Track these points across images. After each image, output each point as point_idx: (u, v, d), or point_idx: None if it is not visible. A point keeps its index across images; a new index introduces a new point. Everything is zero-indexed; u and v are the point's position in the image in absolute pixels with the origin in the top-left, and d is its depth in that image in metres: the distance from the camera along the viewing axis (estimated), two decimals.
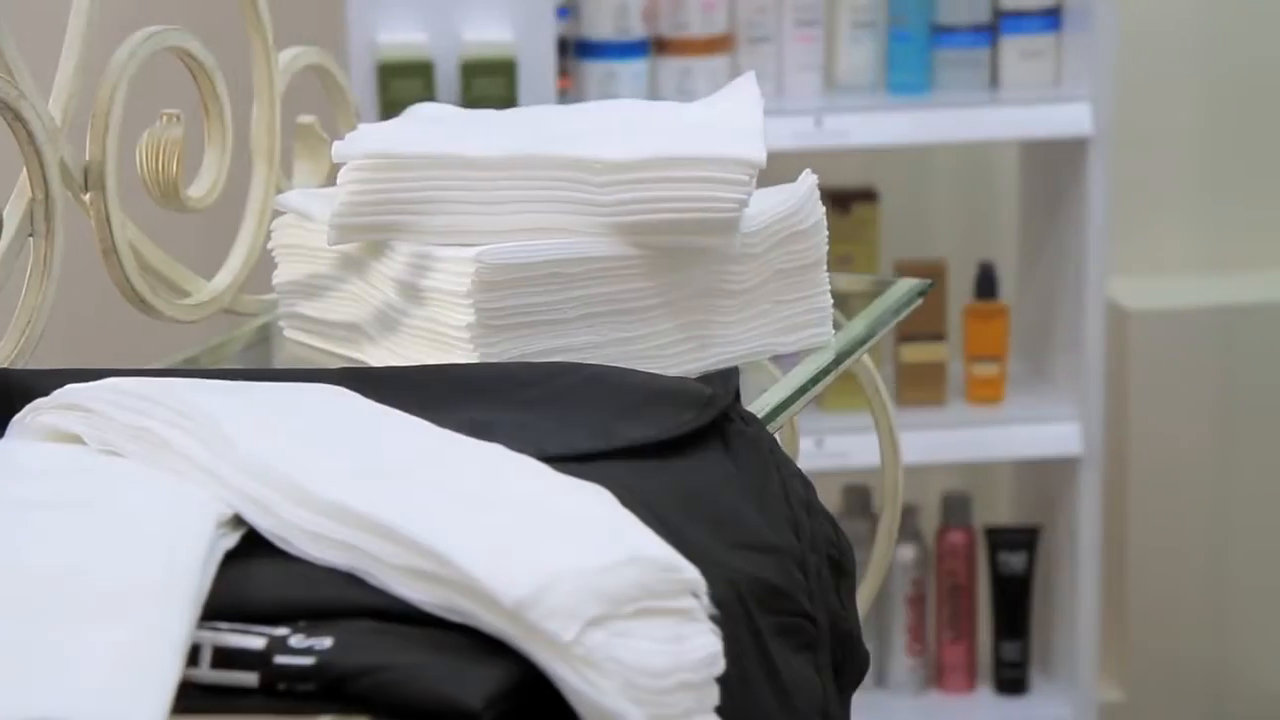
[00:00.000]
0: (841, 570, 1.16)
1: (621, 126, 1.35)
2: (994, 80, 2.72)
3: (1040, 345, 2.79)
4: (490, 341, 1.25)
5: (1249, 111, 2.99)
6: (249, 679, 0.90)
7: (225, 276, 1.41)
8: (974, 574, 2.81)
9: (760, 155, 1.27)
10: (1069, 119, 2.64)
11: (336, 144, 1.30)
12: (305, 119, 1.52)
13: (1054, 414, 2.70)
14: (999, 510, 2.93)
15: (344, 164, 1.30)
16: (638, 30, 2.66)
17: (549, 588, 0.91)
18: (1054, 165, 2.73)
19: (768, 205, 1.33)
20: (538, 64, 2.48)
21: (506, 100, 2.41)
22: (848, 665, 1.14)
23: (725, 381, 1.20)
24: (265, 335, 1.46)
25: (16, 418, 1.08)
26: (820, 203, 1.36)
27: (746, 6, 2.68)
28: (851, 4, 2.71)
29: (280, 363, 1.40)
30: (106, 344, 2.01)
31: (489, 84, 2.42)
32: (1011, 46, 2.70)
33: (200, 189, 1.37)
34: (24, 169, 1.25)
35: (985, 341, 2.72)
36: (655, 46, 2.68)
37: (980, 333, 2.72)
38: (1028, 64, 2.70)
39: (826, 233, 1.36)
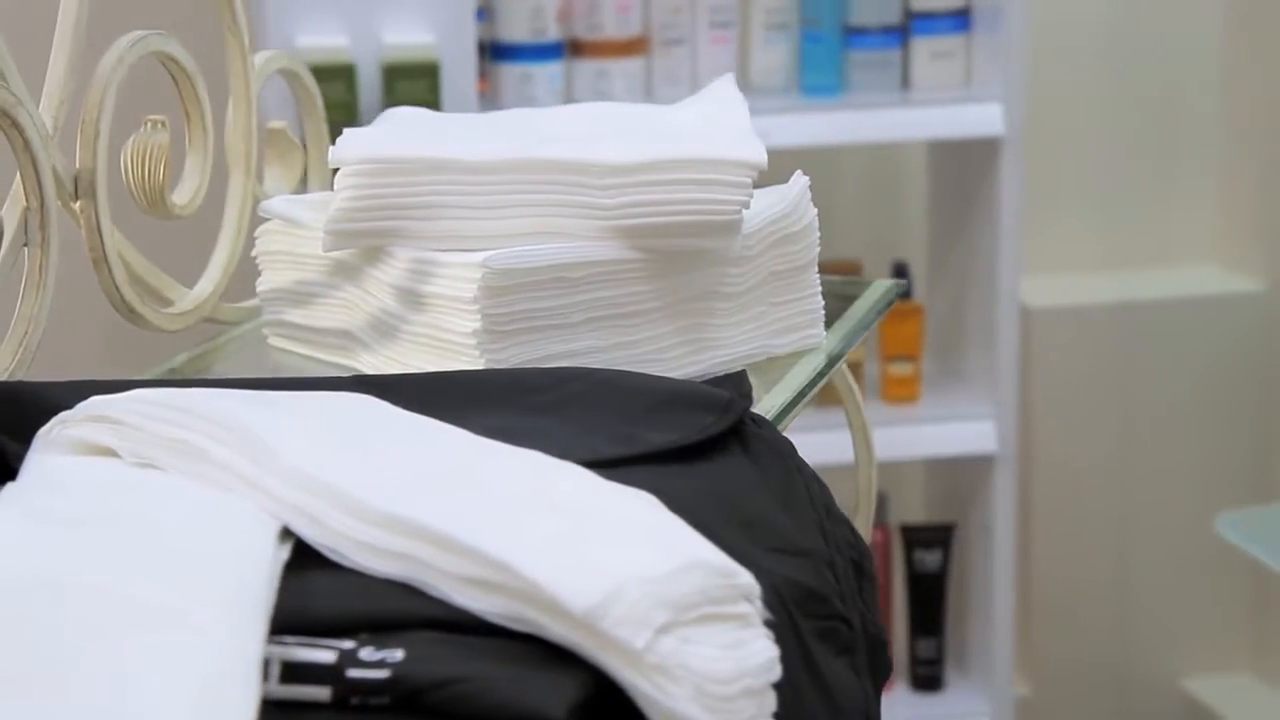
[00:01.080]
0: (863, 573, 1.16)
1: (614, 130, 1.35)
2: (905, 81, 2.74)
3: (952, 344, 2.82)
4: (496, 348, 1.24)
5: (1146, 112, 3.04)
6: (321, 694, 0.89)
7: (206, 284, 1.39)
8: (889, 572, 2.83)
9: (761, 157, 1.27)
10: (980, 119, 2.66)
11: (332, 149, 1.29)
12: (276, 124, 1.50)
13: (969, 413, 2.72)
14: (914, 509, 2.95)
15: (340, 169, 1.28)
16: (553, 33, 2.65)
17: (617, 595, 0.91)
18: (964, 165, 2.75)
19: (761, 207, 1.33)
20: (459, 67, 2.47)
21: (430, 104, 2.39)
22: (877, 668, 1.14)
23: (738, 385, 1.21)
24: (245, 344, 1.44)
25: (42, 431, 1.06)
26: (811, 204, 1.36)
27: (661, 8, 2.69)
28: (765, 6, 2.72)
29: (266, 371, 1.38)
30: (77, 354, 1.96)
31: (411, 87, 2.40)
32: (922, 47, 2.73)
33: (184, 195, 1.35)
34: (15, 177, 1.22)
35: (900, 341, 2.74)
36: (570, 49, 2.68)
37: (895, 333, 2.74)
38: (938, 65, 2.73)
39: (818, 234, 1.36)
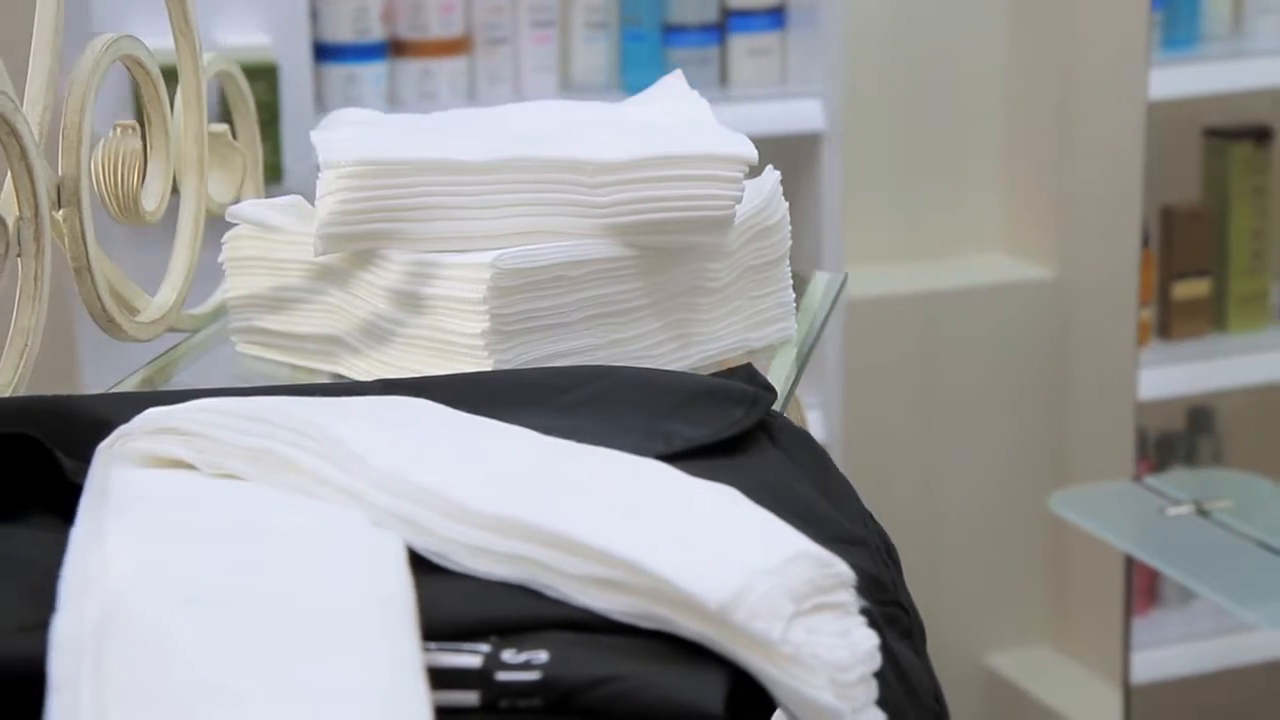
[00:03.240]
0: (893, 558, 1.19)
1: (591, 127, 1.35)
2: (723, 78, 2.78)
3: None
4: (502, 348, 1.24)
5: (946, 106, 3.12)
6: (469, 698, 0.88)
7: (169, 292, 1.36)
8: None
9: (752, 152, 1.29)
10: (800, 115, 2.72)
11: (321, 153, 1.27)
12: (216, 127, 1.48)
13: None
14: None
15: (329, 172, 1.26)
16: (376, 33, 2.64)
17: (748, 589, 0.91)
18: (784, 161, 2.78)
19: None
20: (294, 68, 2.44)
21: (270, 106, 2.36)
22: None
23: (749, 377, 1.22)
24: (204, 351, 1.41)
25: (103, 445, 1.03)
26: (784, 198, 1.38)
27: (482, 8, 2.69)
28: (585, 5, 2.74)
29: (234, 379, 1.35)
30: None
31: (251, 89, 2.36)
32: (740, 45, 2.77)
33: (151, 202, 1.32)
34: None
35: None
36: (394, 49, 2.66)
37: None
38: (755, 62, 2.77)
39: (789, 227, 1.39)
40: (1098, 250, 2.94)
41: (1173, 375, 2.87)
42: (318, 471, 0.99)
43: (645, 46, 2.75)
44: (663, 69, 2.75)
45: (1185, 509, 2.40)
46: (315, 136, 1.33)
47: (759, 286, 1.37)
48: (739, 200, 1.28)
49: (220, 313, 1.46)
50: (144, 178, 1.29)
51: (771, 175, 1.38)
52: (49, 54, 1.23)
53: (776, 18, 2.77)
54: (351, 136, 1.30)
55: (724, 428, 1.15)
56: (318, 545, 0.92)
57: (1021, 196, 3.14)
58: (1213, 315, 2.95)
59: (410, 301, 1.26)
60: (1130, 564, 2.61)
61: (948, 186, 3.16)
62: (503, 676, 0.88)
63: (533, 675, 0.88)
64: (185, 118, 1.39)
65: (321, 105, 2.57)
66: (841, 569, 0.98)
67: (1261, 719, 3.32)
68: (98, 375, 2.28)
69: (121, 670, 0.81)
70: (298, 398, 1.06)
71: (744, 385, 1.19)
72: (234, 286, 1.36)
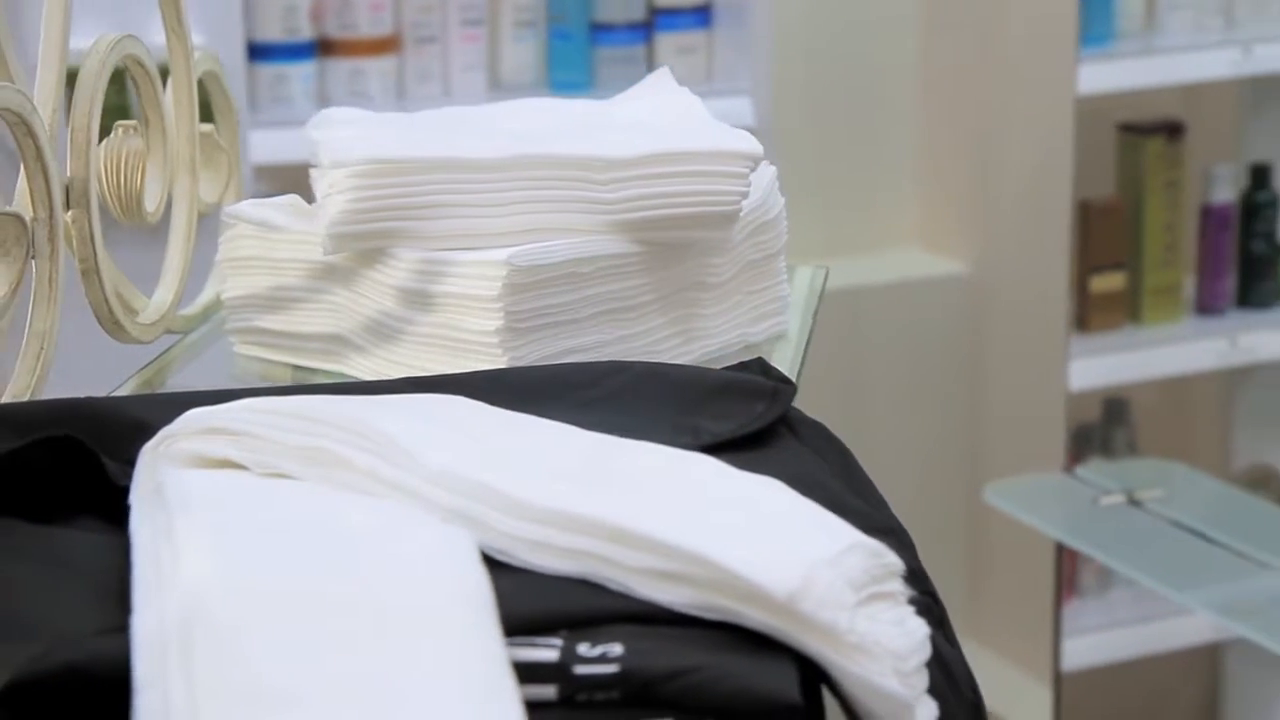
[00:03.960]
0: (914, 551, 1.20)
1: (592, 124, 1.36)
2: None
3: None
4: (516, 345, 1.24)
5: (862, 104, 3.15)
6: (547, 692, 0.88)
7: (165, 293, 1.36)
8: None
9: (758, 148, 1.30)
10: (729, 112, 2.73)
11: (330, 153, 1.27)
12: (204, 127, 1.47)
13: None
14: None
15: (338, 171, 1.26)
16: (305, 32, 2.63)
17: (813, 579, 0.93)
18: None
19: None
20: (229, 67, 2.42)
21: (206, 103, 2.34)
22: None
23: (763, 370, 1.23)
24: (197, 352, 1.41)
25: (148, 446, 1.02)
26: (779, 192, 1.40)
27: (412, 6, 2.69)
28: (513, 4, 2.74)
29: (235, 380, 1.35)
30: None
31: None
32: (667, 43, 2.78)
33: (152, 203, 1.31)
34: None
35: None
36: (323, 48, 2.66)
37: None
38: (682, 59, 2.79)
39: (786, 222, 1.40)
40: (1017, 245, 2.98)
41: (1090, 368, 2.91)
42: (373, 469, 0.99)
43: (573, 45, 2.76)
44: (591, 67, 2.77)
45: (1117, 498, 2.44)
46: (315, 136, 1.33)
47: (756, 281, 1.38)
48: (746, 196, 1.29)
49: (210, 312, 1.45)
50: (145, 178, 1.28)
51: (768, 169, 1.39)
52: (57, 54, 1.22)
53: (703, 16, 2.78)
54: (355, 136, 1.30)
55: (749, 421, 1.16)
56: (392, 543, 0.92)
57: (939, 193, 3.17)
58: (1128, 308, 3.00)
59: (420, 299, 1.26)
60: (1060, 554, 2.65)
61: (865, 183, 3.20)
62: (580, 670, 0.89)
63: (610, 668, 0.89)
64: (178, 118, 1.38)
65: (254, 105, 2.56)
66: (892, 559, 0.99)
67: (1178, 704, 3.38)
68: (78, 380, 2.25)
69: (212, 669, 0.81)
70: (341, 396, 1.06)
71: (762, 379, 1.20)
72: (232, 286, 1.36)
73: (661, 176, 1.28)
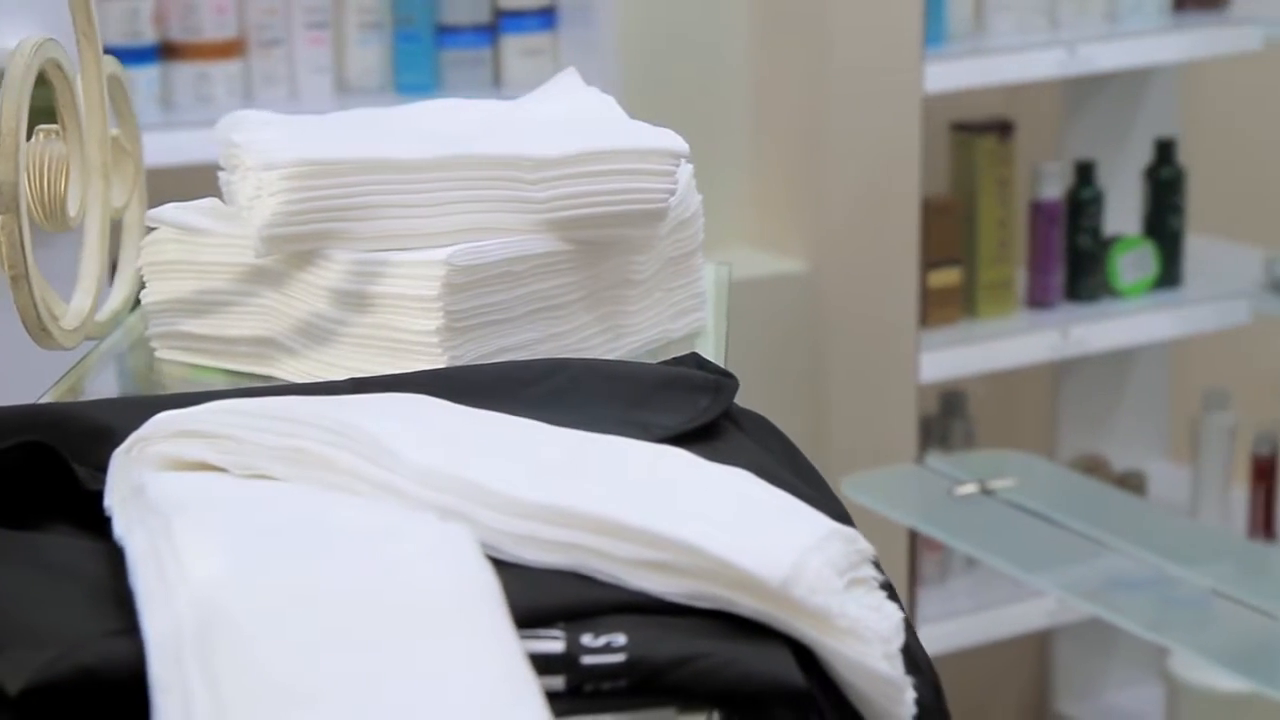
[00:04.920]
0: None
1: (516, 123, 1.37)
2: (497, 78, 2.80)
3: None
4: (455, 344, 1.25)
5: (694, 104, 3.18)
6: (555, 683, 0.89)
7: (84, 298, 1.34)
8: None
9: (684, 146, 1.32)
10: None
11: (259, 155, 1.26)
12: (110, 131, 1.45)
13: None
14: None
15: (269, 173, 1.26)
16: (149, 35, 2.60)
17: (802, 565, 0.95)
18: None
19: None
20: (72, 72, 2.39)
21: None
22: None
23: (701, 364, 1.25)
24: (111, 359, 1.39)
25: (119, 450, 1.01)
26: (696, 190, 1.41)
27: (256, 9, 2.67)
28: (358, 6, 2.73)
29: (157, 385, 1.34)
30: None
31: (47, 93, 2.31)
32: (512, 45, 2.79)
33: (73, 207, 1.30)
34: None
35: None
36: (166, 51, 2.63)
37: None
38: (528, 61, 2.80)
39: (703, 219, 1.42)
40: (856, 243, 3.03)
41: (929, 362, 2.97)
42: (355, 469, 0.99)
43: (419, 47, 2.76)
44: (436, 70, 2.77)
45: (971, 488, 2.50)
46: (235, 139, 1.32)
47: (676, 278, 1.40)
48: (673, 193, 1.31)
49: (120, 318, 1.44)
50: (69, 183, 1.27)
51: (685, 168, 1.41)
52: None
53: (548, 18, 2.80)
54: (282, 137, 1.30)
55: (696, 415, 1.17)
56: (394, 540, 0.92)
57: (775, 193, 3.21)
58: (964, 303, 3.06)
59: (356, 300, 1.26)
60: (914, 544, 2.70)
61: (702, 184, 3.22)
62: (588, 660, 0.90)
63: (617, 657, 0.90)
64: (90, 122, 1.36)
65: None
66: (865, 545, 1.01)
67: (1010, 689, 3.46)
68: None
69: (235, 670, 0.81)
70: (313, 397, 1.06)
71: (704, 373, 1.22)
72: (153, 291, 1.35)
73: (590, 175, 1.29)
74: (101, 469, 1.03)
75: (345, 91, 2.74)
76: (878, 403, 2.96)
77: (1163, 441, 3.49)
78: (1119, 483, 3.22)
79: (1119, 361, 3.36)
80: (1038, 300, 3.13)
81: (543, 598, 0.94)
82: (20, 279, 1.22)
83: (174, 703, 0.81)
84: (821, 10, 3.05)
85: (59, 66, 1.28)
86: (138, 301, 1.42)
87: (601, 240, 1.31)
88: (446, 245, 1.26)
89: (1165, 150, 3.21)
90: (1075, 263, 3.13)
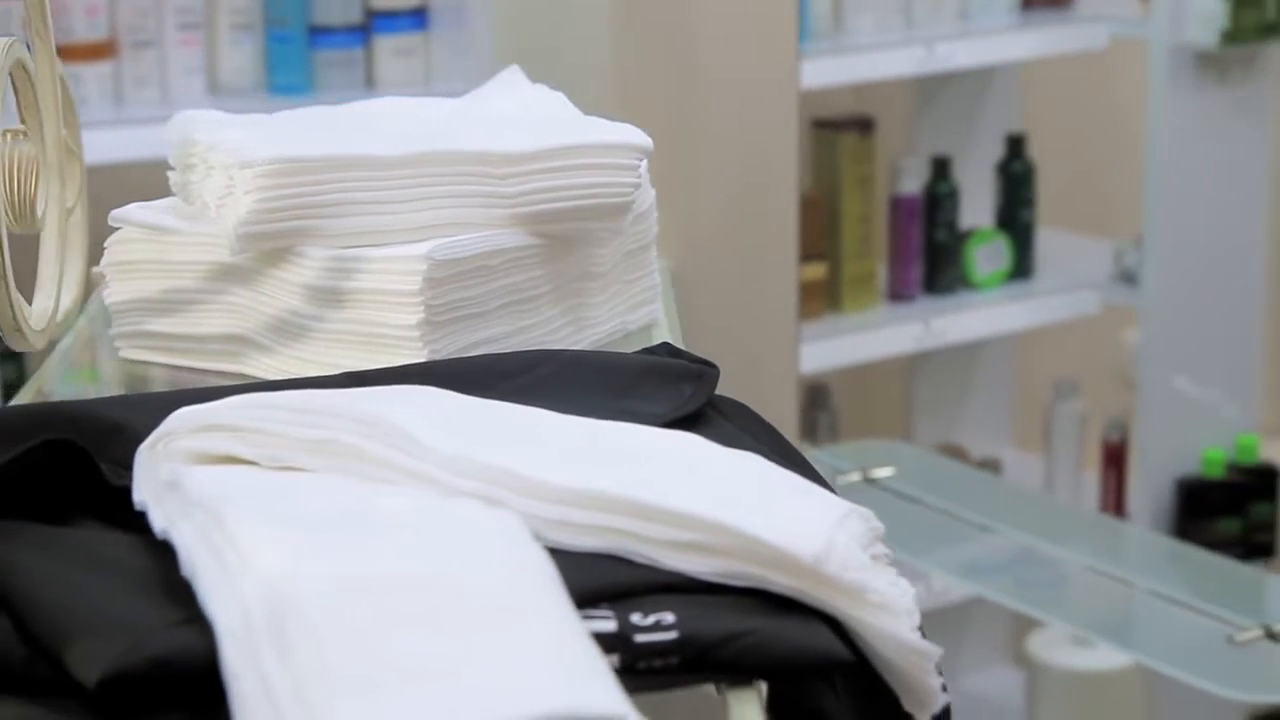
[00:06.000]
0: None
1: (466, 121, 1.39)
2: (370, 79, 2.80)
3: None
4: (434, 338, 1.26)
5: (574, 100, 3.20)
6: (610, 661, 0.91)
7: (46, 300, 1.33)
8: None
9: (648, 141, 1.35)
10: None
11: (231, 154, 1.27)
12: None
13: None
14: None
15: (245, 171, 1.26)
16: (19, 36, 2.56)
17: (832, 543, 0.98)
18: None
19: None
20: None
21: None
22: None
23: (676, 354, 1.27)
24: (68, 359, 1.38)
25: (144, 446, 1.02)
26: (650, 185, 1.44)
27: (127, 10, 2.64)
28: (230, 7, 2.71)
29: (125, 385, 1.34)
30: None
31: None
32: (384, 45, 2.79)
33: (41, 208, 1.30)
34: None
35: None
36: None
37: None
38: (401, 61, 2.80)
39: (656, 213, 1.44)
40: (726, 240, 3.07)
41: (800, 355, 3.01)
42: (386, 459, 1.00)
43: (292, 48, 2.75)
44: (309, 70, 2.76)
45: (855, 477, 2.55)
46: (199, 138, 1.32)
47: (632, 271, 1.42)
48: (639, 186, 1.34)
49: (72, 319, 1.43)
50: (39, 184, 1.27)
51: (640, 164, 1.43)
52: None
53: (419, 18, 2.80)
54: (253, 136, 1.30)
55: (681, 403, 1.20)
56: (445, 525, 0.94)
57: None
58: (829, 297, 3.11)
59: (332, 296, 1.27)
60: None
61: None
62: (641, 638, 0.92)
63: (669, 635, 0.93)
64: (45, 123, 1.36)
65: None
66: (877, 523, 1.05)
67: None
68: None
69: (309, 654, 0.82)
70: (328, 390, 1.07)
71: (684, 362, 1.25)
72: (116, 291, 1.34)
73: (558, 170, 1.31)
74: (118, 465, 1.03)
75: (218, 93, 2.72)
76: (757, 399, 2.99)
77: (1013, 430, 3.57)
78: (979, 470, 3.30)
79: (969, 352, 3.43)
80: (898, 293, 3.19)
81: (587, 579, 0.96)
82: None
83: (252, 689, 0.82)
84: (686, 8, 3.08)
85: (23, 67, 1.28)
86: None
87: (569, 234, 1.33)
88: (418, 240, 1.28)
89: (1016, 145, 3.29)
90: (933, 256, 3.20)
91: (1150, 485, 3.22)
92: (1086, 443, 3.37)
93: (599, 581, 0.96)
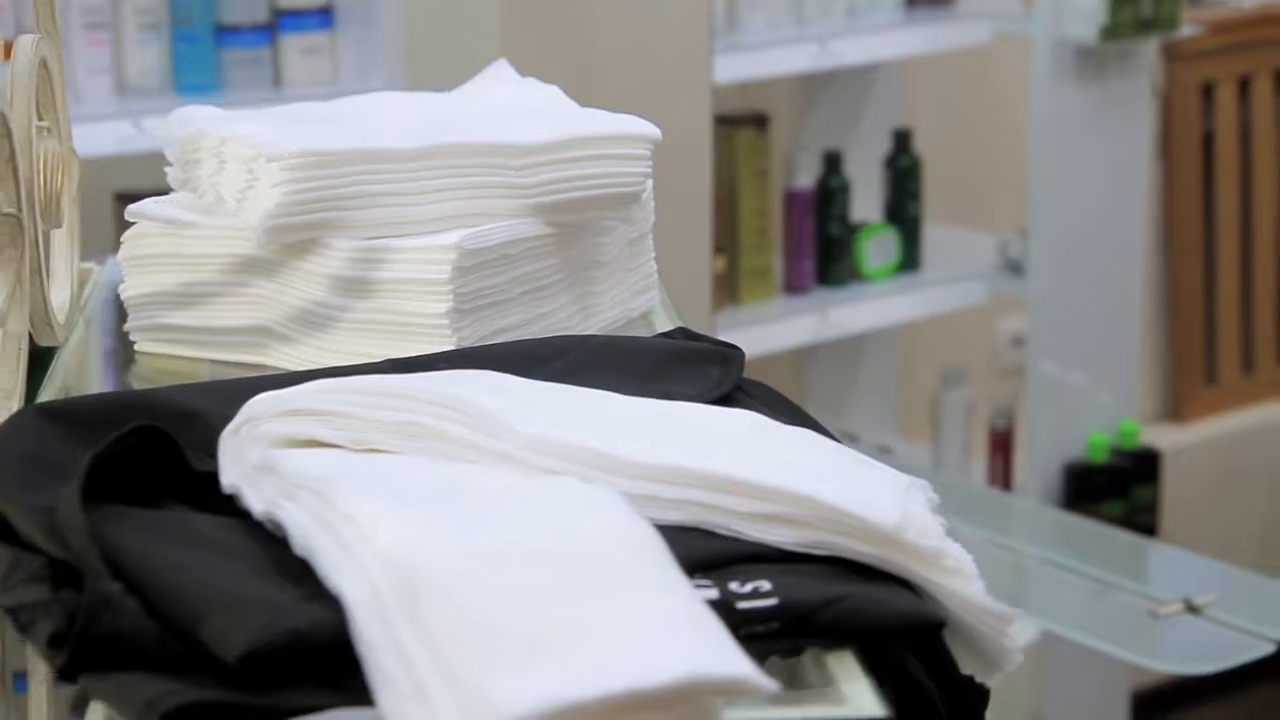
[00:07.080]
0: None
1: (473, 114, 1.41)
2: (277, 78, 2.80)
3: None
4: (462, 325, 1.29)
5: None
6: None
7: (62, 293, 1.34)
8: None
9: (656, 131, 1.38)
10: None
11: (254, 147, 1.28)
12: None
13: None
14: None
15: (271, 165, 1.28)
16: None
17: (909, 512, 1.02)
18: None
19: None
20: None
21: None
22: None
23: (694, 338, 1.31)
24: (78, 354, 1.39)
25: (227, 431, 1.03)
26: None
27: (33, 9, 2.62)
28: (136, 6, 2.70)
29: (141, 378, 1.34)
30: None
31: None
32: (291, 44, 2.80)
33: (65, 203, 1.30)
34: None
35: None
36: None
37: None
38: (307, 61, 2.81)
39: (653, 201, 1.48)
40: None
41: None
42: (469, 440, 1.03)
43: (199, 48, 2.74)
44: (217, 70, 2.76)
45: None
46: (221, 132, 1.33)
47: (634, 258, 1.45)
48: (648, 176, 1.37)
49: (76, 314, 1.43)
50: (65, 178, 1.27)
51: (649, 152, 1.46)
52: None
53: (326, 17, 2.81)
54: (272, 130, 1.31)
55: (712, 385, 1.23)
56: (551, 499, 0.96)
57: None
58: (728, 290, 3.16)
59: (359, 286, 1.29)
60: None
61: None
62: (743, 605, 0.96)
63: (769, 601, 0.96)
64: (61, 119, 1.36)
65: None
66: (933, 494, 1.09)
67: None
68: None
69: (444, 624, 0.84)
70: (399, 374, 1.09)
71: (708, 345, 1.28)
72: (132, 285, 1.35)
73: (571, 160, 1.34)
74: (194, 449, 1.05)
75: (126, 93, 2.71)
76: None
77: (902, 419, 3.64)
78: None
79: (858, 343, 3.49)
80: (793, 286, 3.24)
81: (680, 551, 0.99)
82: (36, 273, 1.22)
83: (390, 659, 0.84)
84: (574, 8, 3.11)
85: (45, 64, 1.28)
86: None
87: (583, 223, 1.36)
88: (440, 231, 1.30)
89: (903, 140, 3.35)
90: (826, 249, 3.26)
91: (1038, 469, 3.30)
92: (974, 430, 3.45)
93: (692, 553, 0.99)
